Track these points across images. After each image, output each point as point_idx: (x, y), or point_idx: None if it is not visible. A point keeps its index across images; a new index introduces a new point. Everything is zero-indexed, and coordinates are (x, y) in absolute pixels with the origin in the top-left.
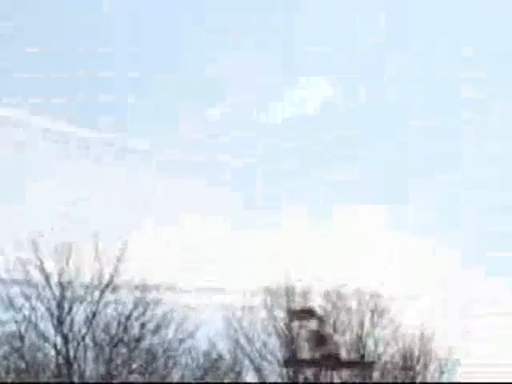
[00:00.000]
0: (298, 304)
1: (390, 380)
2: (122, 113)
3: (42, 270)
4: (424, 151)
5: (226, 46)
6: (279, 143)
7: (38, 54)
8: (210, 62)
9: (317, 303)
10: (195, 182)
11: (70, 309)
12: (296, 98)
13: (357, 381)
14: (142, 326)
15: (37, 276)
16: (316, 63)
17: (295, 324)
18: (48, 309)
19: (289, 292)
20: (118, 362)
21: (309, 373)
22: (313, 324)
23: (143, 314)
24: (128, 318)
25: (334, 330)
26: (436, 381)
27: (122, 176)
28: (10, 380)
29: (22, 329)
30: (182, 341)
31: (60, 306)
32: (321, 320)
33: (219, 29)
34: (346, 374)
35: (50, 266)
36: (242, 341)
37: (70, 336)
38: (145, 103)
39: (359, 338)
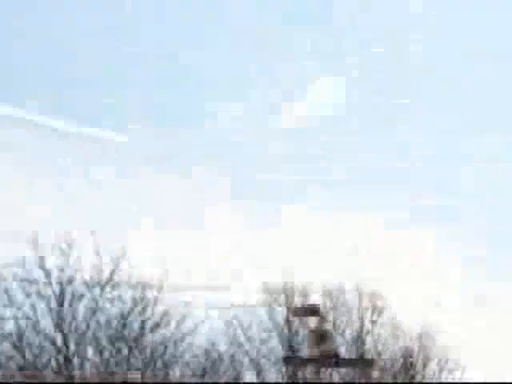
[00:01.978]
0: (297, 302)
1: (390, 378)
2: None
3: (43, 266)
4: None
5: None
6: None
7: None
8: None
9: (316, 301)
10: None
11: (70, 306)
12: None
13: (356, 379)
14: (142, 323)
15: (37, 273)
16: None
17: (295, 321)
18: (48, 306)
19: (288, 290)
20: (118, 359)
21: (308, 371)
22: (313, 321)
23: (143, 311)
24: (128, 315)
25: (334, 327)
26: (436, 380)
27: (122, 173)
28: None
29: (22, 326)
30: (181, 339)
31: (60, 303)
32: (322, 317)
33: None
34: (345, 372)
35: (50, 263)
36: (242, 339)
37: (70, 333)
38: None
39: (359, 335)
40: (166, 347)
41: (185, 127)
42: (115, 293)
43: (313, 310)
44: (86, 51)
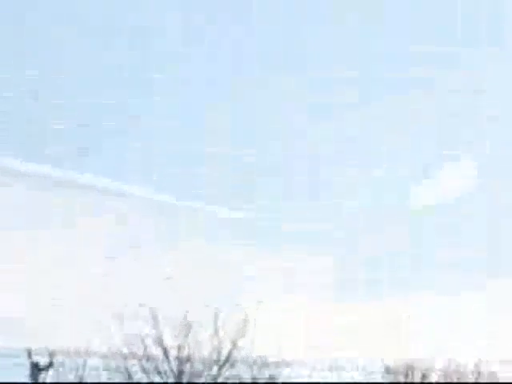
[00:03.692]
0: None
1: None
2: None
3: (161, 344)
4: None
5: None
6: None
7: None
8: None
9: (435, 380)
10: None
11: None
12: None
13: None
14: None
15: (155, 350)
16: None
17: None
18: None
19: (409, 369)
20: None
21: None
22: None
23: None
24: None
25: None
26: None
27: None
28: None
29: None
30: None
31: (178, 380)
32: None
33: None
34: None
35: (169, 340)
36: None
37: None
38: None
39: None
40: None
41: None
42: (233, 371)
43: None
44: None
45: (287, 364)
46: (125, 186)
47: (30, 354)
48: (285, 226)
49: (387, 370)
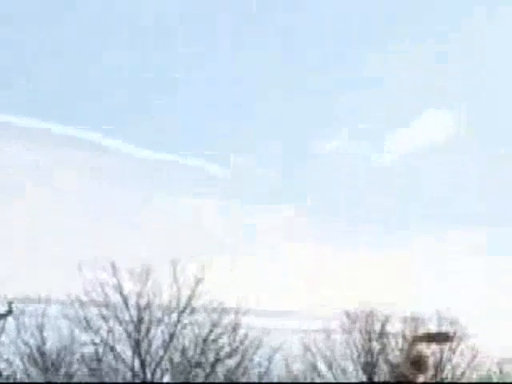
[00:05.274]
0: (376, 328)
1: None
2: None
3: (120, 291)
4: None
5: None
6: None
7: None
8: None
9: (395, 328)
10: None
11: (148, 331)
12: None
13: None
14: (219, 349)
15: (115, 298)
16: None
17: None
18: (126, 331)
19: (369, 316)
20: None
21: None
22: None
23: (220, 337)
24: (205, 340)
25: None
26: None
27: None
28: None
29: (100, 350)
30: (259, 364)
31: (138, 328)
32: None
33: None
34: None
35: (128, 288)
36: (320, 365)
37: (148, 358)
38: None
39: (439, 363)
40: (243, 373)
41: None
42: (192, 318)
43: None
44: None
45: (246, 311)
46: None
47: None
48: None
49: (347, 316)
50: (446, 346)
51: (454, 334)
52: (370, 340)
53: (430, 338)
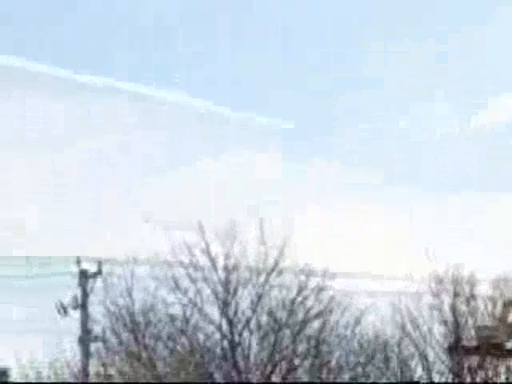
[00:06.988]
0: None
1: None
2: None
3: (208, 253)
4: None
5: None
6: None
7: None
8: None
9: (484, 292)
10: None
11: (235, 292)
12: None
13: None
14: (307, 311)
15: (203, 259)
16: None
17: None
18: (214, 292)
19: (456, 279)
20: (282, 346)
21: (473, 360)
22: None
23: (307, 298)
24: (292, 302)
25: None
26: None
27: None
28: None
29: (187, 311)
30: (346, 326)
31: (226, 289)
32: None
33: None
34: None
35: (216, 249)
36: (408, 327)
37: (235, 319)
38: None
39: None
40: (330, 334)
41: None
42: (280, 280)
43: None
44: None
45: (333, 275)
46: None
47: (78, 262)
48: None
49: (435, 278)
50: None
51: None
52: (457, 303)
53: None
